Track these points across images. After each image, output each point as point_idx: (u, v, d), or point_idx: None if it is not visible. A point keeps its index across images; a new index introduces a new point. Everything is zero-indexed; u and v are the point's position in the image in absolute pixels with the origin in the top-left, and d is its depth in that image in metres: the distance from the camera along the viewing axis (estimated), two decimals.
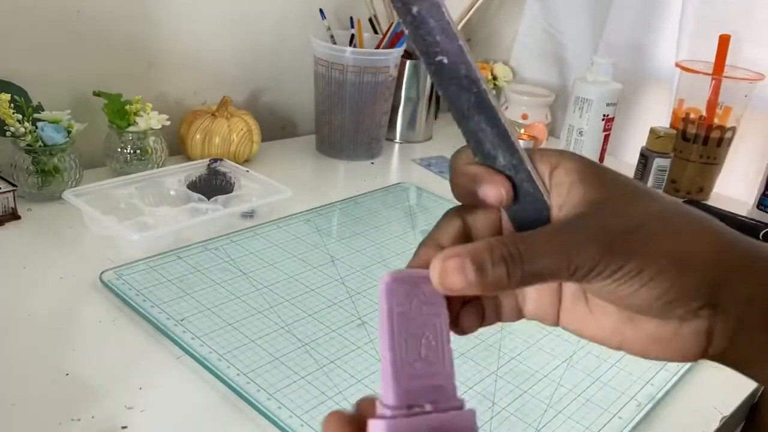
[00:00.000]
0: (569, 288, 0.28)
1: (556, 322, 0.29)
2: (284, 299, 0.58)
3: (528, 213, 0.26)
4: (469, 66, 0.25)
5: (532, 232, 0.25)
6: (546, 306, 0.29)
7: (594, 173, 0.26)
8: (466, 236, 0.27)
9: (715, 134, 0.91)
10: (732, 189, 0.97)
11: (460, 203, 0.28)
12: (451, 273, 0.24)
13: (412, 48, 1.04)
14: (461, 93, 0.25)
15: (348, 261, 0.66)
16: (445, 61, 0.24)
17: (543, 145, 1.08)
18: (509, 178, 0.26)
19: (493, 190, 0.26)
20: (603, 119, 0.82)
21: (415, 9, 0.24)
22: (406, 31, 0.24)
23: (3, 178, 0.69)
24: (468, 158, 0.27)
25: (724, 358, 0.26)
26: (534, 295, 0.29)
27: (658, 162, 0.81)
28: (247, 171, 0.78)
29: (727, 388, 0.54)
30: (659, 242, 0.24)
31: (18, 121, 0.68)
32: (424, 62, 0.25)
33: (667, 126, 0.92)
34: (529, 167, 0.26)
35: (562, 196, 0.26)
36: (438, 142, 1.09)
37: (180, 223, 0.67)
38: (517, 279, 0.24)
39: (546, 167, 0.26)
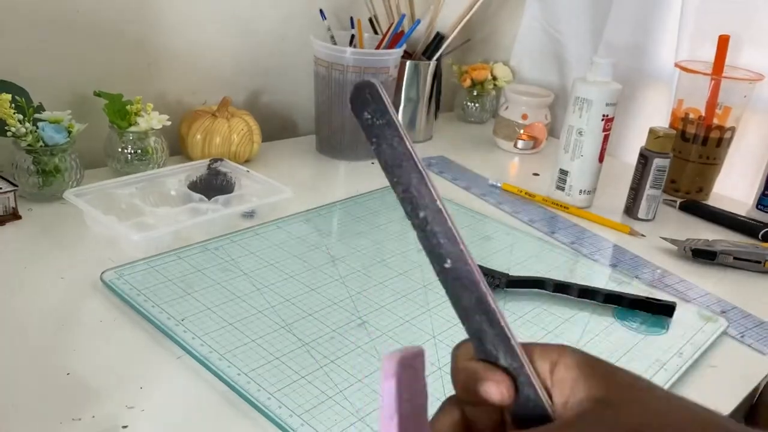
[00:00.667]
0: None
1: None
2: (284, 299, 0.59)
3: (528, 411, 0.27)
4: (470, 270, 0.26)
5: (541, 429, 0.25)
6: None
7: (594, 368, 0.26)
8: (465, 428, 0.27)
9: (714, 134, 0.91)
10: (731, 189, 0.97)
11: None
12: None
13: (411, 48, 1.04)
14: (464, 292, 0.26)
15: (348, 261, 0.66)
16: (448, 264, 0.26)
17: (543, 145, 1.08)
18: (510, 375, 0.27)
19: (495, 388, 0.26)
20: (603, 119, 0.82)
21: (422, 214, 0.26)
22: (415, 232, 0.27)
23: (4, 178, 0.69)
24: (468, 353, 0.27)
25: None
26: None
27: (658, 162, 0.81)
28: (248, 171, 0.78)
29: (725, 388, 0.54)
30: None
31: (19, 121, 0.68)
32: (430, 261, 0.26)
33: (667, 126, 0.93)
34: (529, 371, 0.26)
35: (565, 393, 0.26)
36: (438, 142, 1.09)
37: (180, 223, 0.67)
38: None
39: (546, 364, 0.27)
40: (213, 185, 0.76)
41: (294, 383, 0.48)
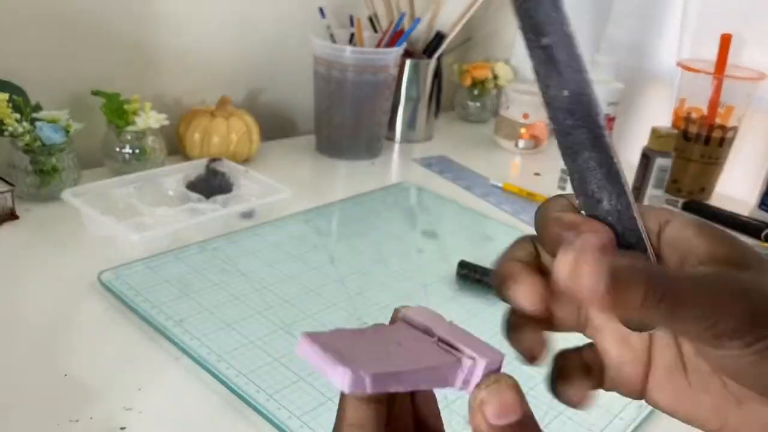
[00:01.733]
0: (665, 354, 0.25)
1: (642, 394, 0.26)
2: (283, 299, 0.58)
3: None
4: (592, 102, 0.24)
5: (681, 272, 0.22)
6: (631, 374, 0.25)
7: (711, 229, 0.23)
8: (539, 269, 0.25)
9: (716, 134, 0.91)
10: (733, 189, 0.97)
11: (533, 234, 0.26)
12: (583, 272, 0.20)
13: (412, 47, 1.04)
14: (576, 129, 0.24)
15: (347, 261, 0.66)
16: (566, 93, 0.23)
17: (544, 145, 1.08)
18: (611, 227, 0.24)
19: (594, 239, 0.22)
20: (605, 119, 0.82)
21: (545, 41, 0.23)
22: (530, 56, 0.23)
23: (1, 178, 0.68)
24: (563, 205, 0.25)
25: None
26: (616, 359, 0.26)
27: (660, 161, 0.81)
28: (246, 171, 0.78)
29: None
30: None
31: (16, 120, 0.67)
32: (540, 89, 0.23)
33: (669, 125, 0.92)
34: (636, 214, 0.24)
35: (680, 251, 0.23)
36: (438, 141, 1.09)
37: (179, 223, 0.66)
38: (653, 312, 0.20)
39: (654, 224, 0.24)
40: (211, 185, 0.76)
41: (293, 384, 0.48)
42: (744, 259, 0.22)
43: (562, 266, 0.21)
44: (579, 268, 0.20)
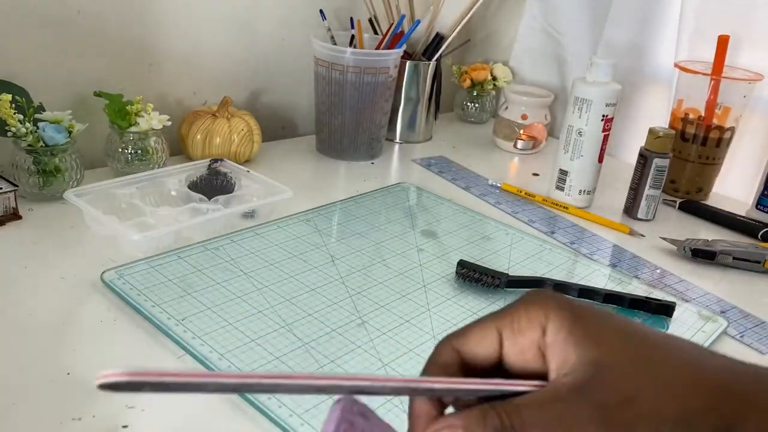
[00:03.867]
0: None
1: None
2: (284, 299, 0.59)
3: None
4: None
5: (529, 401, 0.25)
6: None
7: (583, 328, 0.26)
8: (463, 366, 0.27)
9: (713, 134, 0.91)
10: (731, 189, 0.97)
11: (453, 333, 0.28)
12: None
13: (411, 48, 1.04)
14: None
15: (348, 261, 0.66)
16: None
17: (542, 145, 1.08)
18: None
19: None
20: (602, 119, 0.82)
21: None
22: None
23: (4, 178, 0.69)
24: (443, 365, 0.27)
25: None
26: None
27: (657, 162, 0.81)
28: (248, 171, 0.78)
29: None
30: (657, 408, 0.24)
31: (19, 121, 0.68)
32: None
33: (666, 126, 0.93)
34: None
35: (557, 357, 0.25)
36: (438, 142, 1.10)
37: (181, 223, 0.67)
38: None
39: (536, 331, 0.26)
40: (213, 185, 0.76)
41: None
42: (614, 355, 0.25)
43: None
44: None
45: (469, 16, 1.05)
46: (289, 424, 0.44)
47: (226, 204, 0.72)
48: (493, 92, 1.22)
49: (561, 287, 0.63)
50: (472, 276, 0.64)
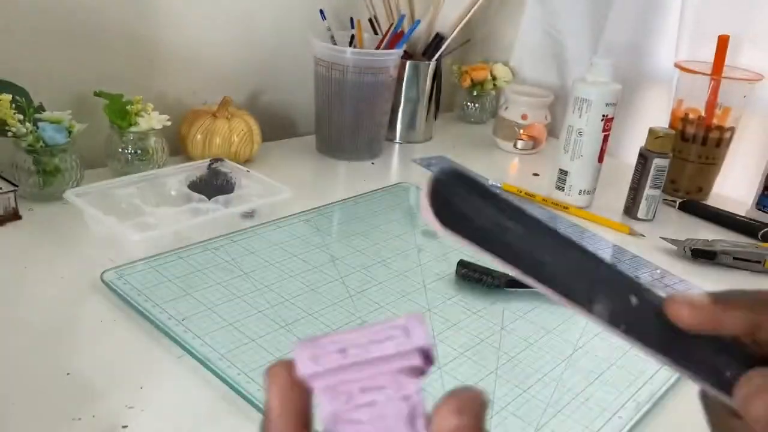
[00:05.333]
0: None
1: None
2: (284, 299, 0.59)
3: None
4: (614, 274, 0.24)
5: None
6: None
7: None
8: None
9: (714, 134, 0.91)
10: (731, 189, 0.97)
11: None
12: None
13: (411, 48, 1.04)
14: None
15: (348, 261, 0.66)
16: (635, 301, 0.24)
17: (543, 146, 1.08)
18: None
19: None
20: (602, 119, 0.82)
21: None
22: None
23: (4, 178, 0.69)
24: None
25: None
26: None
27: (657, 162, 0.81)
28: (248, 171, 0.78)
29: None
30: None
31: (19, 121, 0.68)
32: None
33: (666, 126, 0.93)
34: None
35: None
36: (438, 142, 1.10)
37: (181, 223, 0.67)
38: None
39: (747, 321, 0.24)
40: (213, 185, 0.76)
41: None
42: None
43: None
44: None
45: (469, 16, 1.05)
46: None
47: (226, 204, 0.72)
48: (493, 92, 1.22)
49: None
50: (472, 276, 0.64)
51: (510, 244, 0.21)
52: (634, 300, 0.23)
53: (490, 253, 0.21)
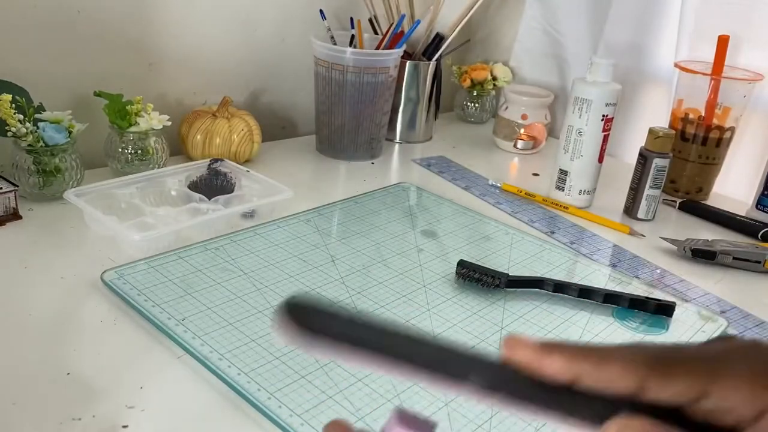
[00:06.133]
0: None
1: None
2: (284, 298, 0.59)
3: None
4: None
5: None
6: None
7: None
8: None
9: (714, 134, 0.91)
10: (731, 189, 0.97)
11: None
12: None
13: (411, 48, 1.04)
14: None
15: (348, 261, 0.66)
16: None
17: (543, 145, 1.08)
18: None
19: None
20: (602, 119, 0.82)
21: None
22: None
23: (4, 178, 0.69)
24: None
25: None
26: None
27: (657, 162, 0.81)
28: (248, 171, 0.78)
29: None
30: None
31: (19, 121, 0.68)
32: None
33: (666, 126, 0.93)
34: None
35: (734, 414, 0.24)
36: (438, 142, 1.10)
37: (181, 223, 0.67)
38: None
39: (753, 411, 0.24)
40: (213, 185, 0.76)
41: (294, 383, 0.48)
42: None
43: None
44: None
45: (469, 16, 1.05)
46: (289, 424, 0.44)
47: (226, 204, 0.72)
48: (493, 92, 1.22)
49: (561, 287, 0.63)
50: (472, 276, 0.64)
51: (374, 342, 0.23)
52: (502, 370, 0.25)
53: (358, 349, 0.23)
